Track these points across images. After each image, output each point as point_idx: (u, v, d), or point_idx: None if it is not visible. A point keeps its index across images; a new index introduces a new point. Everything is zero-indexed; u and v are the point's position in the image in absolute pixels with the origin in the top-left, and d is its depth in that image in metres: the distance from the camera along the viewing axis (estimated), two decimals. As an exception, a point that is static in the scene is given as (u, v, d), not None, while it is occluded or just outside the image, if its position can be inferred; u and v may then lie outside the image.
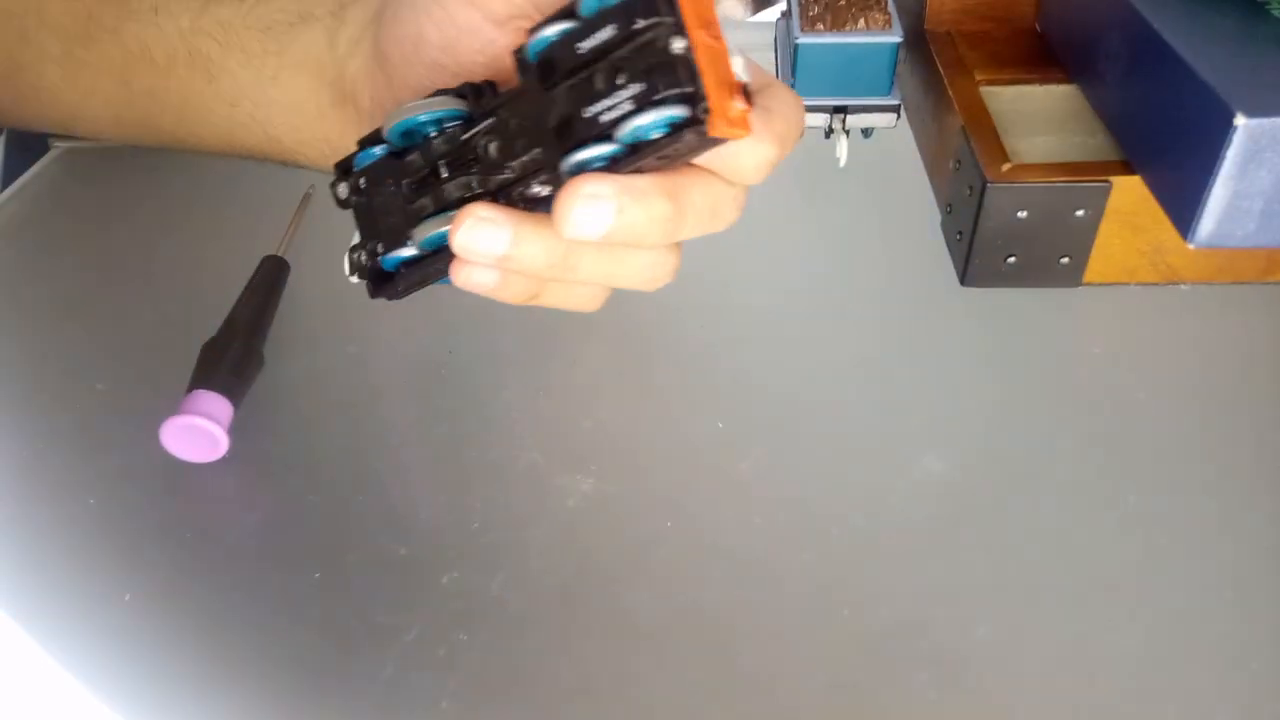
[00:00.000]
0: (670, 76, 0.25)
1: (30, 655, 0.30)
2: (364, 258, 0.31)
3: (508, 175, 0.28)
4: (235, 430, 0.41)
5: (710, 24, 0.25)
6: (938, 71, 0.53)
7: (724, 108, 0.25)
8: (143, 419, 0.41)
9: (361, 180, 0.31)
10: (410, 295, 0.32)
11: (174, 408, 0.41)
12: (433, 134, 0.29)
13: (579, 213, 0.26)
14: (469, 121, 0.29)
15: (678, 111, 0.25)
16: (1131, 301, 0.48)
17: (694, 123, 0.25)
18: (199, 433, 0.40)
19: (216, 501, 0.41)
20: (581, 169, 0.26)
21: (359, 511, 0.40)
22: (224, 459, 0.41)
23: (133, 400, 0.45)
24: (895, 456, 0.42)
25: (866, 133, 0.55)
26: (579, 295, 0.31)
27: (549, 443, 0.43)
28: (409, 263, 0.30)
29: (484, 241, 0.27)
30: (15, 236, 0.56)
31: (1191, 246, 0.39)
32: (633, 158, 0.26)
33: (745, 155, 0.28)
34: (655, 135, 0.25)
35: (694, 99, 0.25)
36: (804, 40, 0.51)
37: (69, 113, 0.41)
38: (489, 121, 0.28)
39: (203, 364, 0.43)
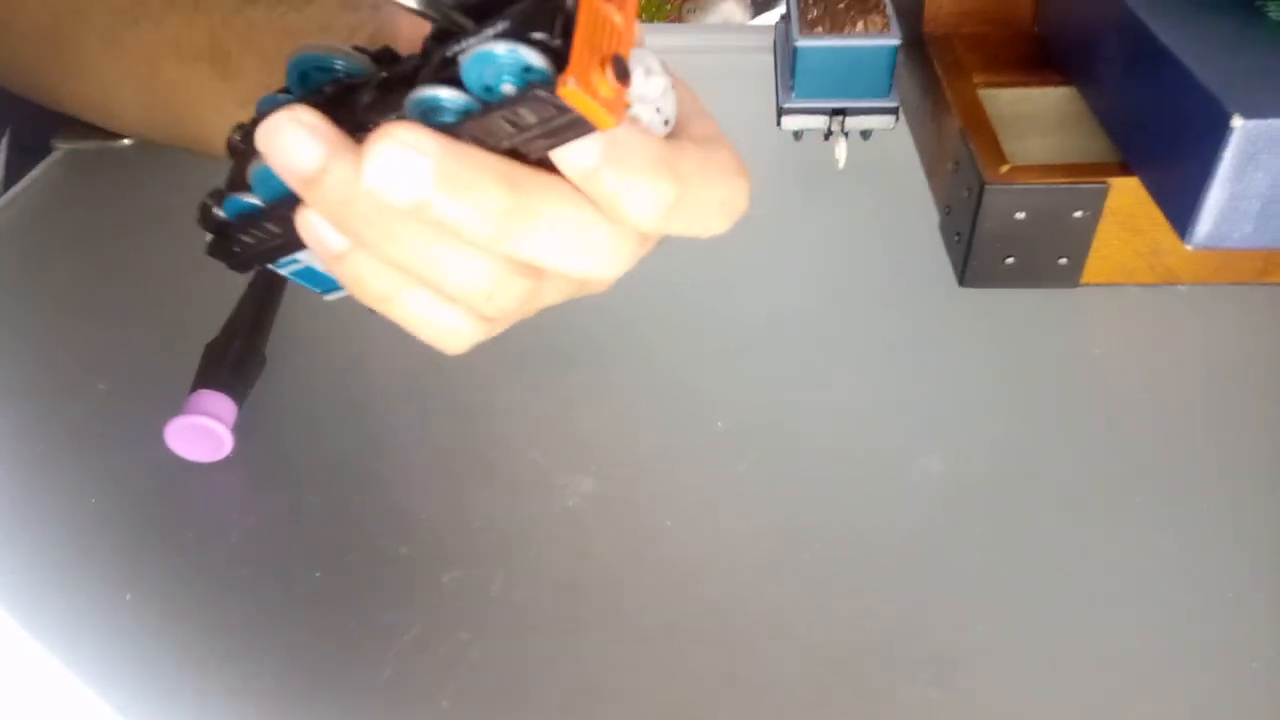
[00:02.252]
0: (534, 21, 0.21)
1: (31, 655, 0.30)
2: (212, 206, 0.29)
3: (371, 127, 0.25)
4: (237, 430, 0.42)
5: (623, 2, 0.22)
6: (936, 74, 0.53)
7: (586, 76, 0.21)
8: (144, 419, 0.41)
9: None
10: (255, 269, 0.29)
11: (176, 407, 0.41)
12: (325, 84, 0.27)
13: (386, 157, 0.22)
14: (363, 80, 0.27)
15: (532, 60, 0.21)
16: (1129, 302, 0.48)
17: (546, 82, 0.21)
18: (204, 432, 0.41)
19: (216, 501, 0.41)
20: (425, 107, 0.23)
21: (359, 511, 0.40)
22: (223, 459, 0.41)
23: (134, 400, 0.45)
24: (895, 456, 0.42)
25: (865, 134, 0.55)
26: (436, 316, 0.27)
27: (549, 443, 0.43)
28: (249, 215, 0.28)
29: (298, 149, 0.24)
30: (18, 237, 0.56)
31: (1189, 247, 0.40)
32: (483, 115, 0.22)
33: (632, 184, 0.23)
34: (505, 86, 0.22)
35: (552, 51, 0.21)
36: (803, 43, 0.52)
37: (103, 95, 0.40)
38: (381, 78, 0.26)
39: (206, 364, 0.43)
